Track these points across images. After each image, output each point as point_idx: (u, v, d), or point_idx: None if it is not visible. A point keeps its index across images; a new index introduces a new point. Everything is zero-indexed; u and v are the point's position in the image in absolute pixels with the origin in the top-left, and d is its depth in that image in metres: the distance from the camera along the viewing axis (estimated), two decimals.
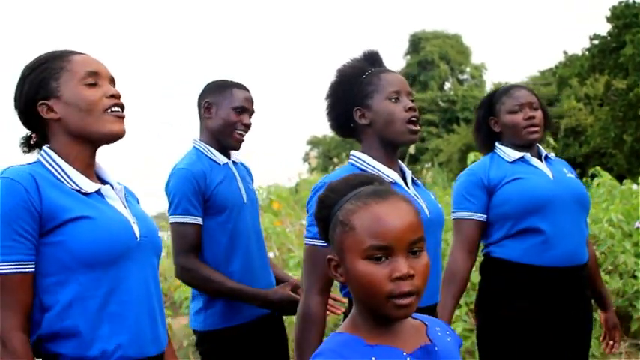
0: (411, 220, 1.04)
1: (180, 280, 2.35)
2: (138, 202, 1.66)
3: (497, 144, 2.30)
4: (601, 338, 2.44)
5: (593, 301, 2.33)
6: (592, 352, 3.40)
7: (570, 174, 2.28)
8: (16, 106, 1.53)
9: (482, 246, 2.28)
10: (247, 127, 2.34)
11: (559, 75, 18.87)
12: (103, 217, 1.43)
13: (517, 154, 2.23)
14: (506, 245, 2.15)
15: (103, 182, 1.55)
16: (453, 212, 2.23)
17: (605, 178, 5.48)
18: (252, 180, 2.51)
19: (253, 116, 2.39)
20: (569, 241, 2.11)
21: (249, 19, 63.27)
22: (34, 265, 1.37)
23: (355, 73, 1.86)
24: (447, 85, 32.42)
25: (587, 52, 17.90)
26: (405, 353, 1.06)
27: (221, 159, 2.31)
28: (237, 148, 2.36)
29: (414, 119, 1.81)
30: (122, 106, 1.53)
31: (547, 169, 2.22)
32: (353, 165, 1.84)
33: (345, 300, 1.88)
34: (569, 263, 2.10)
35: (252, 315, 2.25)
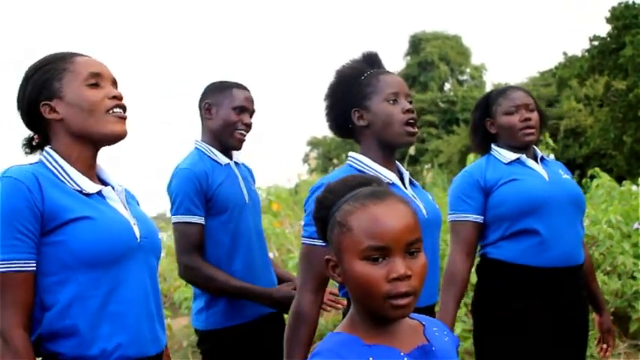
0: (409, 221, 1.05)
1: (183, 279, 2.37)
2: (138, 204, 1.67)
3: (493, 145, 2.30)
4: (596, 342, 2.44)
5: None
6: (591, 352, 3.40)
7: (566, 175, 2.29)
8: (19, 107, 1.54)
9: (478, 247, 2.28)
10: (248, 126, 2.35)
11: (559, 76, 18.89)
12: (104, 217, 1.44)
13: (513, 156, 2.23)
14: (502, 246, 2.15)
15: (104, 183, 1.56)
16: (450, 214, 2.23)
17: (604, 179, 5.48)
18: (254, 180, 2.52)
19: (254, 116, 2.40)
20: (565, 242, 2.11)
21: (250, 19, 63.30)
22: (35, 264, 1.38)
23: (354, 74, 1.87)
24: (447, 86, 32.41)
25: (586, 53, 17.91)
26: (402, 353, 1.07)
27: (223, 159, 2.32)
28: (238, 148, 2.37)
29: (411, 121, 1.82)
30: (124, 108, 1.54)
31: (543, 171, 2.22)
32: (351, 166, 1.84)
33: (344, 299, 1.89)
34: (565, 264, 2.11)
35: (253, 314, 2.26)
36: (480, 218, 2.19)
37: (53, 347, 1.39)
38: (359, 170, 1.80)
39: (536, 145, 2.39)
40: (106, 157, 1.59)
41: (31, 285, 1.38)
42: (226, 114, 2.31)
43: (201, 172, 2.22)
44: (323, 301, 1.80)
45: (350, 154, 1.89)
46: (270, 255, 2.51)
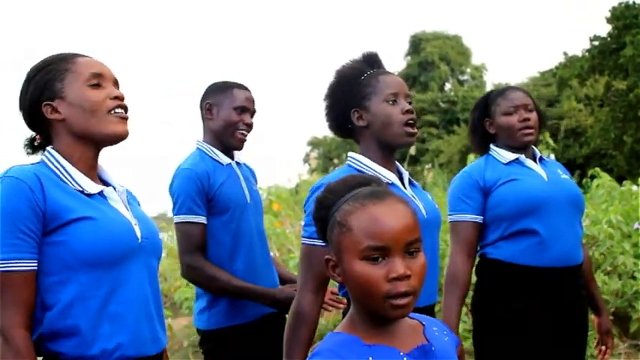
0: (408, 221, 1.05)
1: (185, 279, 2.38)
2: (139, 204, 1.67)
3: (492, 145, 2.30)
4: (594, 344, 2.44)
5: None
6: (591, 352, 3.41)
7: (565, 175, 2.29)
8: (21, 107, 1.55)
9: (477, 248, 2.28)
10: (249, 126, 2.36)
11: (559, 76, 18.90)
12: (106, 218, 1.45)
13: (512, 156, 2.23)
14: (501, 246, 2.15)
15: (106, 184, 1.57)
16: (450, 214, 2.23)
17: (605, 179, 5.48)
18: (255, 181, 2.53)
19: (255, 116, 2.41)
20: (564, 242, 2.11)
21: (250, 19, 63.31)
22: (36, 264, 1.39)
23: (354, 74, 1.87)
24: (448, 86, 32.41)
25: (587, 53, 17.93)
26: (401, 353, 1.07)
27: (224, 159, 2.33)
28: (239, 148, 2.38)
29: (410, 122, 1.82)
30: (125, 108, 1.54)
31: (542, 171, 2.22)
32: (350, 166, 1.85)
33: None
34: (564, 264, 2.11)
35: (255, 314, 2.26)
36: (479, 218, 2.19)
37: (54, 347, 1.39)
38: (358, 170, 1.80)
39: (536, 146, 2.39)
40: (105, 156, 1.60)
41: (33, 284, 1.38)
42: (227, 114, 2.33)
43: (203, 172, 2.23)
44: (324, 301, 1.80)
45: (349, 154, 1.90)
46: (271, 255, 2.51)
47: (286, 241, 6.01)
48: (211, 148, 2.34)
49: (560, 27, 56.88)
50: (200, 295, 2.31)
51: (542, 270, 2.09)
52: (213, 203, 2.24)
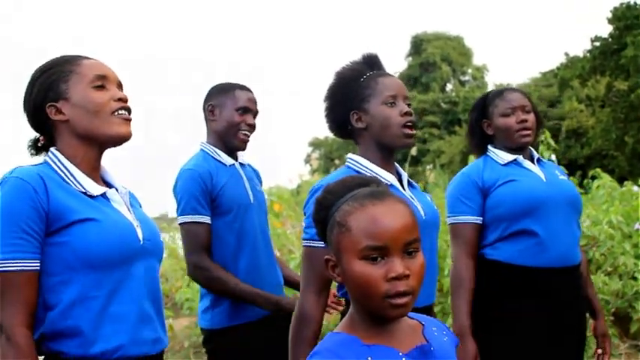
0: (407, 221, 1.06)
1: (192, 279, 2.39)
2: (140, 206, 1.68)
3: (489, 147, 2.30)
4: (594, 348, 2.43)
5: None
6: (592, 353, 3.41)
7: (562, 176, 2.29)
8: (25, 108, 1.56)
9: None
10: (252, 127, 2.38)
11: (560, 76, 18.91)
12: (109, 219, 1.46)
13: (510, 157, 2.23)
14: (500, 247, 2.15)
15: (108, 185, 1.58)
16: (450, 216, 2.22)
17: (605, 179, 5.48)
18: (260, 181, 2.55)
19: (257, 117, 2.42)
20: (562, 243, 2.12)
21: (251, 20, 63.33)
22: (39, 264, 1.40)
23: (353, 76, 1.87)
24: (449, 87, 32.38)
25: (588, 54, 17.92)
26: (401, 353, 1.07)
27: (227, 160, 2.35)
28: (242, 148, 2.40)
29: (409, 124, 1.82)
30: (129, 110, 1.56)
31: (540, 172, 2.22)
32: (349, 167, 1.85)
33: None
34: (562, 264, 2.11)
35: (258, 314, 2.27)
36: (479, 219, 2.18)
37: (56, 346, 1.40)
38: (357, 172, 1.80)
39: (534, 147, 2.39)
40: (105, 156, 1.60)
41: (35, 284, 1.39)
42: (230, 115, 2.34)
43: (206, 172, 2.25)
44: (327, 302, 1.81)
45: (349, 155, 1.90)
46: (276, 255, 2.53)
47: (287, 241, 6.02)
48: (214, 149, 2.35)
49: (562, 27, 56.88)
50: (204, 295, 2.32)
51: (540, 270, 2.09)
52: (216, 203, 2.26)
